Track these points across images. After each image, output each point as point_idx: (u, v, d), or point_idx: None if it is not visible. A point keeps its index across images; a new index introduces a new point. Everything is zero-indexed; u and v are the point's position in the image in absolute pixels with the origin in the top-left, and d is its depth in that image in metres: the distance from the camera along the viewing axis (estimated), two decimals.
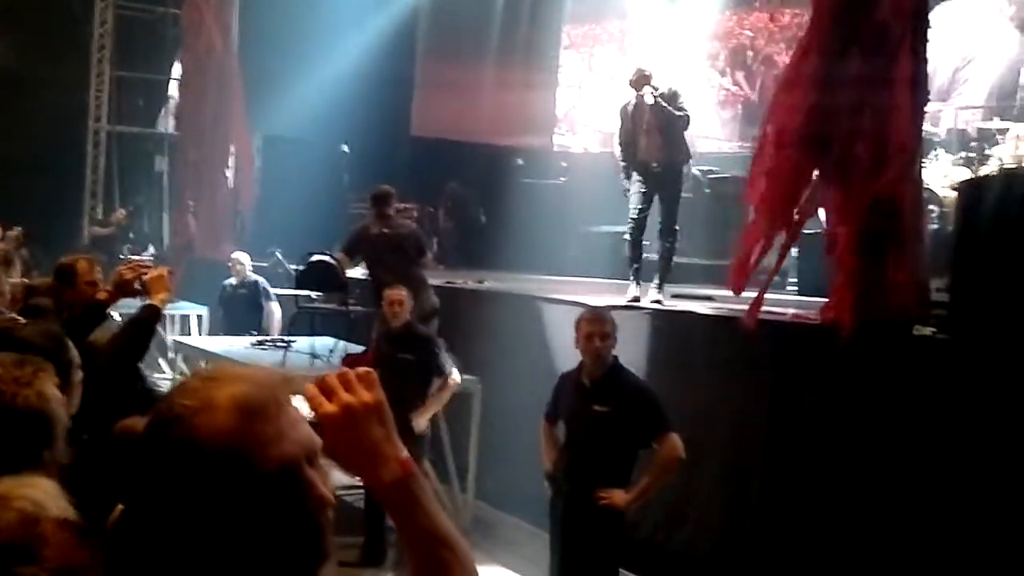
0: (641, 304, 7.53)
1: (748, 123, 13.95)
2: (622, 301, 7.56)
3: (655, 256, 8.11)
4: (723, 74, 14.23)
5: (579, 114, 16.09)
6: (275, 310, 10.70)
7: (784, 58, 13.24)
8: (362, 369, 1.43)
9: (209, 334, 11.42)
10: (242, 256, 11.19)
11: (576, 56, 16.11)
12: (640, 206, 7.98)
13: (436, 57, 16.03)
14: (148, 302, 3.79)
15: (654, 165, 7.87)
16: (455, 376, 7.12)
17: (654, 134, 7.83)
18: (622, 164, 8.15)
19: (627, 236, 8.17)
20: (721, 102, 14.15)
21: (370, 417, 1.40)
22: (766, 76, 13.70)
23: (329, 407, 1.39)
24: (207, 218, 15.32)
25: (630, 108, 8.03)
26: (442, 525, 1.42)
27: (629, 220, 8.12)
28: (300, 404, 1.37)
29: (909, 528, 5.09)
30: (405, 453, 1.42)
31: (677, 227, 8.04)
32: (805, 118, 5.81)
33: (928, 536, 5.00)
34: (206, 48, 15.40)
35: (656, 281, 7.82)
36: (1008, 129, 9.28)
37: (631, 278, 7.96)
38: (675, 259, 9.44)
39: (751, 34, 14.18)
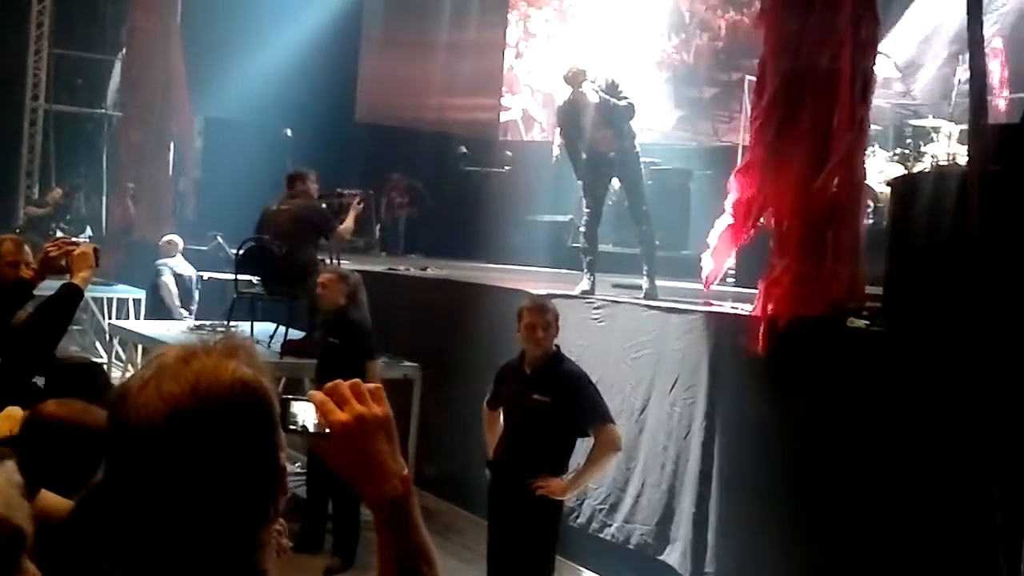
0: (607, 297, 7.26)
1: (681, 86, 14.09)
2: (571, 291, 7.43)
3: (610, 248, 7.94)
4: (660, 35, 14.31)
5: (518, 75, 16.14)
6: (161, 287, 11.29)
7: (721, 22, 13.42)
8: (372, 385, 1.43)
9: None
10: (167, 238, 11.81)
11: (514, 17, 16.19)
12: (596, 197, 7.83)
13: (382, 25, 16.06)
14: (68, 280, 3.72)
15: (610, 154, 7.63)
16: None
17: (601, 127, 7.57)
18: (572, 162, 7.96)
19: (583, 228, 7.99)
20: (658, 63, 14.22)
21: (379, 430, 1.39)
22: (701, 40, 13.85)
23: (341, 415, 1.38)
24: (148, 200, 15.09)
25: (568, 106, 7.75)
26: (426, 541, 1.44)
27: (585, 211, 7.94)
28: (308, 409, 1.37)
29: (843, 519, 5.19)
30: (406, 471, 1.43)
31: (647, 208, 7.75)
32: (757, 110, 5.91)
33: (862, 526, 5.10)
34: (149, 27, 15.16)
35: (645, 271, 7.51)
36: (941, 127, 9.44)
37: (584, 270, 7.71)
38: (620, 249, 9.46)
39: None
